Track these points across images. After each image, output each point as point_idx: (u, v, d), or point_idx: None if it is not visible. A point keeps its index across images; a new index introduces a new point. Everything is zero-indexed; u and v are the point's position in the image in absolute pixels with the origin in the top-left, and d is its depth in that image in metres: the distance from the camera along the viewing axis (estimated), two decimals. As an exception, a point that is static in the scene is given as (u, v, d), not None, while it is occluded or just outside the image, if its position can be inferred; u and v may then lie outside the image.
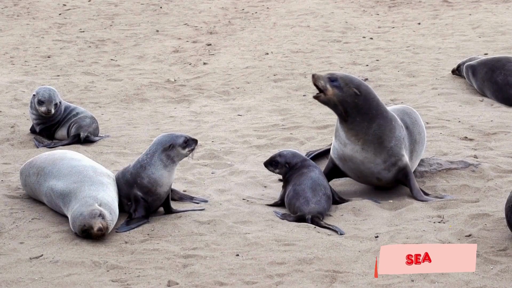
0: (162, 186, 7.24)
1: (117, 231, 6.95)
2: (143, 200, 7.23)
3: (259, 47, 15.08)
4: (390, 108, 8.23)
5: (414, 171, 8.14)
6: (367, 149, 7.72)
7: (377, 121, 7.71)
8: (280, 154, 7.82)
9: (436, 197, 7.72)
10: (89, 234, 6.72)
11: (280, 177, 8.10)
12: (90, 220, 6.71)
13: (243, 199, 7.86)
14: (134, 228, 7.01)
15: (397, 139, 7.78)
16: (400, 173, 7.80)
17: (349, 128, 7.73)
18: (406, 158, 7.84)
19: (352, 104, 7.66)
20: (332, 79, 7.68)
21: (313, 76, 7.74)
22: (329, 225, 7.12)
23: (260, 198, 7.93)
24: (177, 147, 7.20)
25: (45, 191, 7.31)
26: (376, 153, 7.73)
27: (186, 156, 7.27)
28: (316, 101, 7.84)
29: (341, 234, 6.92)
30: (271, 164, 7.81)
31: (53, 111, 9.87)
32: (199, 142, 7.43)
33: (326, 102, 7.72)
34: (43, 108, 9.85)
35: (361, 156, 7.76)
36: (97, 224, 6.70)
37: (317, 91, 7.73)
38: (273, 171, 7.84)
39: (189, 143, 7.22)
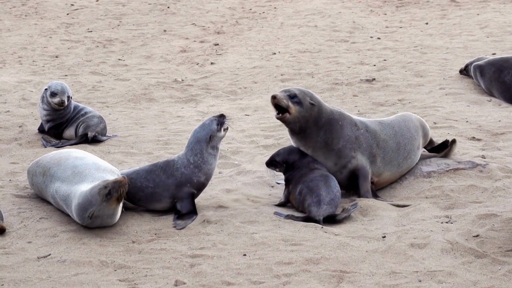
0: (211, 177, 7.58)
1: (177, 228, 7.02)
2: (192, 196, 7.40)
3: (266, 47, 15.08)
4: (392, 117, 8.21)
5: (421, 171, 8.12)
6: (317, 154, 7.72)
7: (324, 127, 7.69)
8: (277, 153, 7.83)
9: (393, 202, 7.63)
10: (114, 192, 6.68)
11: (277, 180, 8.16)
12: (107, 182, 6.73)
13: (250, 198, 7.86)
14: (190, 223, 7.10)
15: (346, 139, 7.72)
16: (352, 175, 7.75)
17: (298, 139, 7.76)
18: (358, 160, 7.75)
19: (309, 117, 7.64)
20: (292, 96, 7.62)
21: (275, 97, 7.57)
22: (349, 210, 7.26)
23: (267, 198, 7.93)
24: (216, 134, 7.41)
25: (51, 192, 7.32)
26: (326, 157, 7.70)
27: (224, 135, 7.47)
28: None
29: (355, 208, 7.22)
30: (272, 163, 7.82)
31: (66, 102, 9.92)
32: (226, 115, 7.60)
33: (291, 121, 7.61)
34: (56, 100, 9.88)
35: None
36: (119, 177, 6.74)
37: (277, 112, 7.60)
38: (275, 170, 7.84)
39: (221, 122, 7.42)
